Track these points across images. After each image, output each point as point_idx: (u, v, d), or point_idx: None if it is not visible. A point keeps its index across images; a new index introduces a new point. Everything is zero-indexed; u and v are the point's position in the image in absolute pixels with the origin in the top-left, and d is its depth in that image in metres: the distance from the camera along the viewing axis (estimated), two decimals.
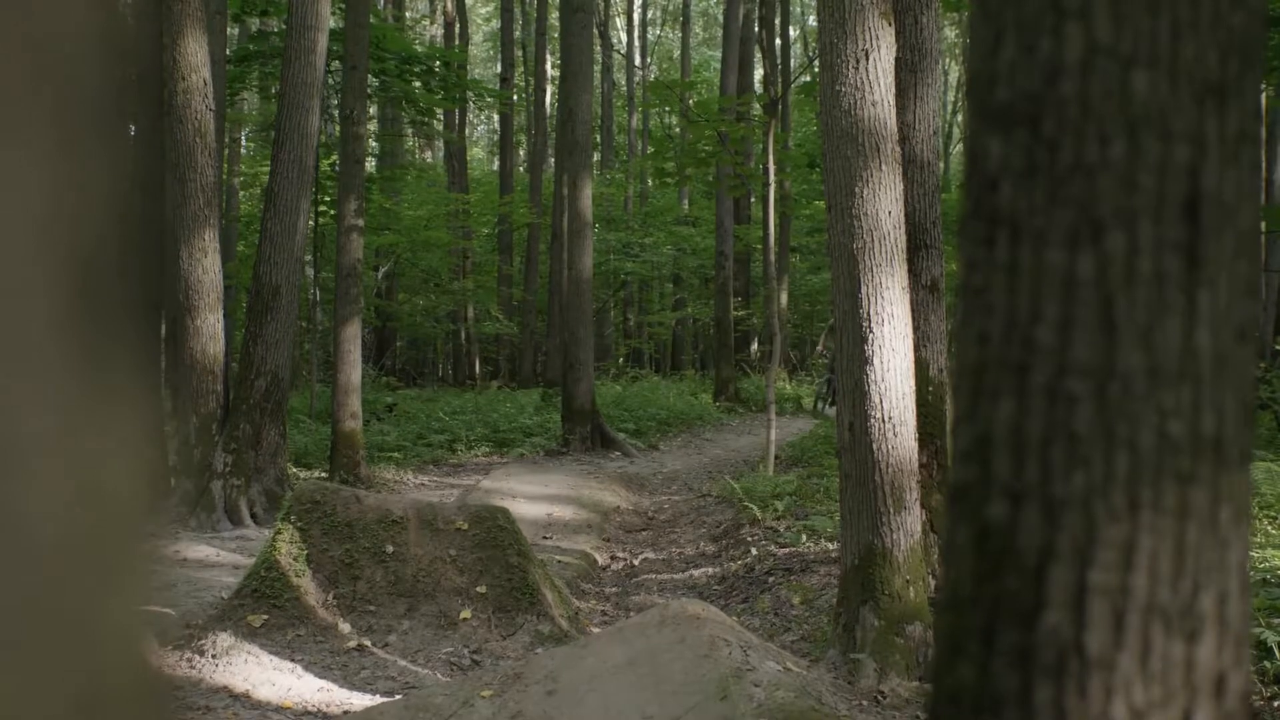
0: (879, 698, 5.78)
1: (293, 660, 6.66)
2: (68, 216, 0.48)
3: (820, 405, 22.03)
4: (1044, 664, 1.26)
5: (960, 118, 37.75)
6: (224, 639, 6.77)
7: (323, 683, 6.46)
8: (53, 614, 0.46)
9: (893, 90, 6.63)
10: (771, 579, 8.73)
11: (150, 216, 0.53)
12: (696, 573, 9.74)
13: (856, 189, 6.47)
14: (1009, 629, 1.29)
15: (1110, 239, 1.31)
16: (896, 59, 6.92)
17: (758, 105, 20.71)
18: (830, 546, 9.12)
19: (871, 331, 6.40)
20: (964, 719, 1.31)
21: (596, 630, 7.30)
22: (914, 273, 7.39)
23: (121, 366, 0.50)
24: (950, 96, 39.72)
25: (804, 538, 9.70)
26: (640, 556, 10.61)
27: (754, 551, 9.62)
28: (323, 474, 13.75)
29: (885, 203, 6.49)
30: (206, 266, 11.42)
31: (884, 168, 6.50)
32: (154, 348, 0.54)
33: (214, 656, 6.63)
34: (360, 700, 6.22)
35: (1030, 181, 1.35)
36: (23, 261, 0.46)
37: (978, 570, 1.33)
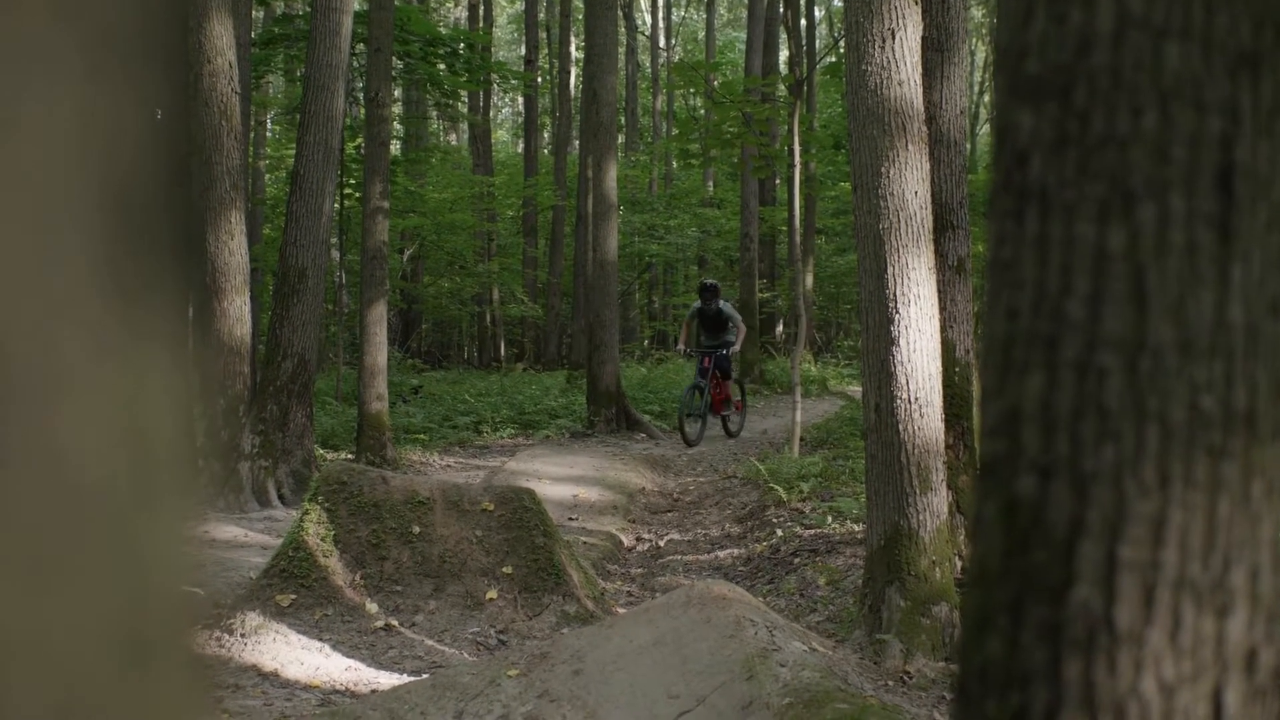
0: (905, 678, 5.77)
1: (320, 639, 6.69)
2: (99, 146, 0.48)
3: (691, 424, 15.75)
4: (1073, 638, 1.25)
5: (987, 99, 37.61)
6: (252, 618, 6.80)
7: (350, 662, 6.49)
8: (91, 545, 0.46)
9: (919, 70, 6.59)
10: (797, 560, 8.72)
11: (176, 197, 0.52)
12: (722, 554, 9.74)
13: (883, 169, 6.45)
14: (1037, 604, 1.28)
15: (1142, 211, 1.30)
16: (923, 38, 6.88)
17: (783, 86, 20.66)
18: (856, 528, 9.11)
19: (898, 312, 6.38)
20: (992, 694, 1.31)
21: (622, 611, 7.31)
22: (940, 253, 7.36)
23: (158, 304, 0.50)
24: (977, 77, 39.54)
25: (830, 519, 9.69)
26: (666, 538, 10.62)
27: (779, 533, 9.62)
28: (349, 455, 13.79)
29: (911, 183, 6.46)
30: (233, 249, 11.45)
31: (910, 148, 6.47)
32: (186, 291, 0.54)
33: (243, 635, 6.67)
34: (387, 679, 6.25)
35: (1060, 154, 1.34)
36: (54, 190, 0.46)
37: (1006, 545, 1.33)
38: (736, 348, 16.14)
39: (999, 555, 1.34)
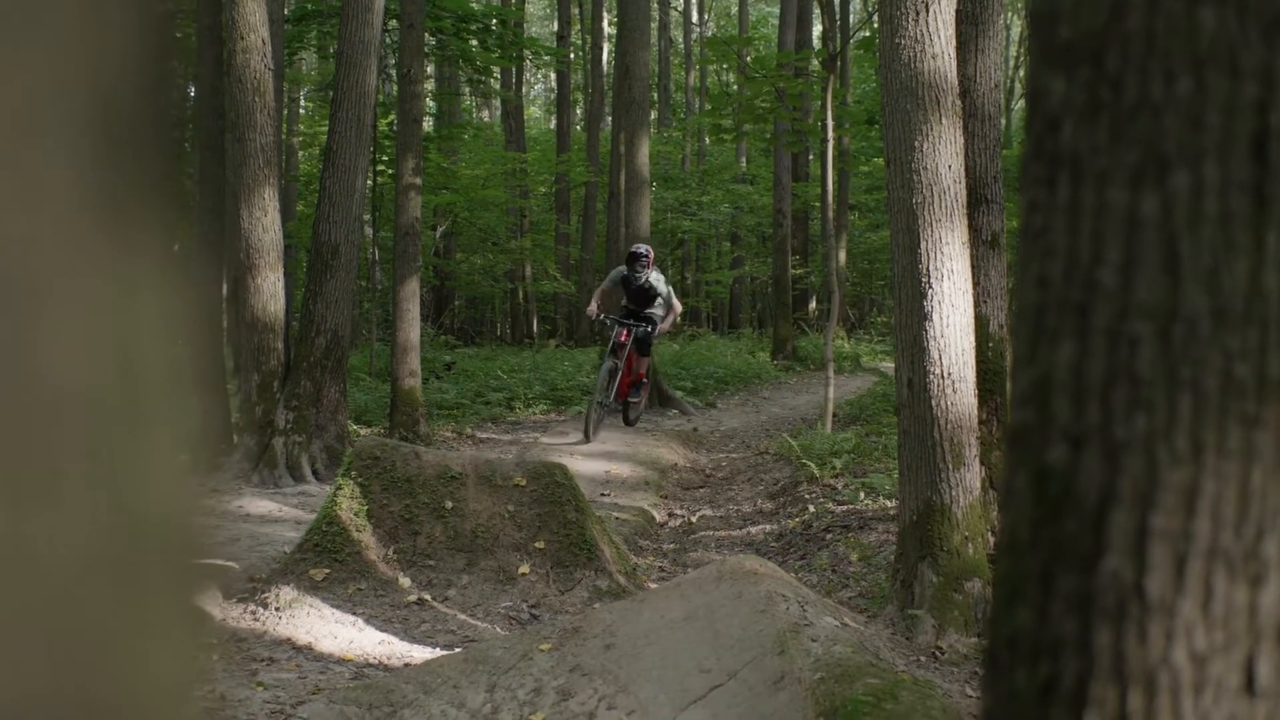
0: (937, 653, 5.77)
1: (354, 613, 6.72)
2: (86, 56, 0.47)
3: (598, 414, 13.54)
4: (1103, 608, 1.25)
5: (1022, 73, 37.33)
6: (287, 592, 6.85)
7: (384, 636, 6.53)
8: (70, 458, 0.46)
9: (953, 43, 6.55)
10: (829, 536, 8.72)
11: (165, 111, 0.52)
12: (754, 530, 9.74)
13: (916, 143, 6.42)
14: (1068, 573, 1.28)
15: (1175, 178, 1.28)
16: (957, 11, 6.83)
17: (816, 61, 20.54)
18: (889, 504, 9.09)
19: (930, 287, 6.35)
20: (1022, 663, 1.30)
21: (654, 586, 7.32)
22: (974, 228, 7.32)
23: (145, 220, 0.50)
24: (1012, 51, 39.26)
25: (862, 495, 9.68)
26: (698, 513, 10.63)
27: (812, 509, 9.61)
28: (382, 431, 13.84)
29: (945, 157, 6.43)
30: (266, 226, 11.48)
31: (944, 121, 6.44)
32: (181, 209, 0.53)
33: (277, 609, 6.71)
34: (420, 653, 6.28)
35: (1093, 120, 1.33)
36: (41, 96, 0.45)
37: (1036, 515, 1.32)
38: (665, 327, 14.12)
39: (1029, 525, 1.33)
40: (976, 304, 7.03)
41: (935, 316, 6.32)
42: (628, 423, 14.41)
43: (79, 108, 0.47)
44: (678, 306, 14.24)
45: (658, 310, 14.05)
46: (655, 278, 13.91)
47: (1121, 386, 1.29)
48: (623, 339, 13.71)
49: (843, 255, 26.28)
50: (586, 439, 13.17)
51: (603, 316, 14.09)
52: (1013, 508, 1.37)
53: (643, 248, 14.14)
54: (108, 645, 0.46)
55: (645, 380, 14.28)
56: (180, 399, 0.51)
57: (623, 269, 14.02)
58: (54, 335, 0.46)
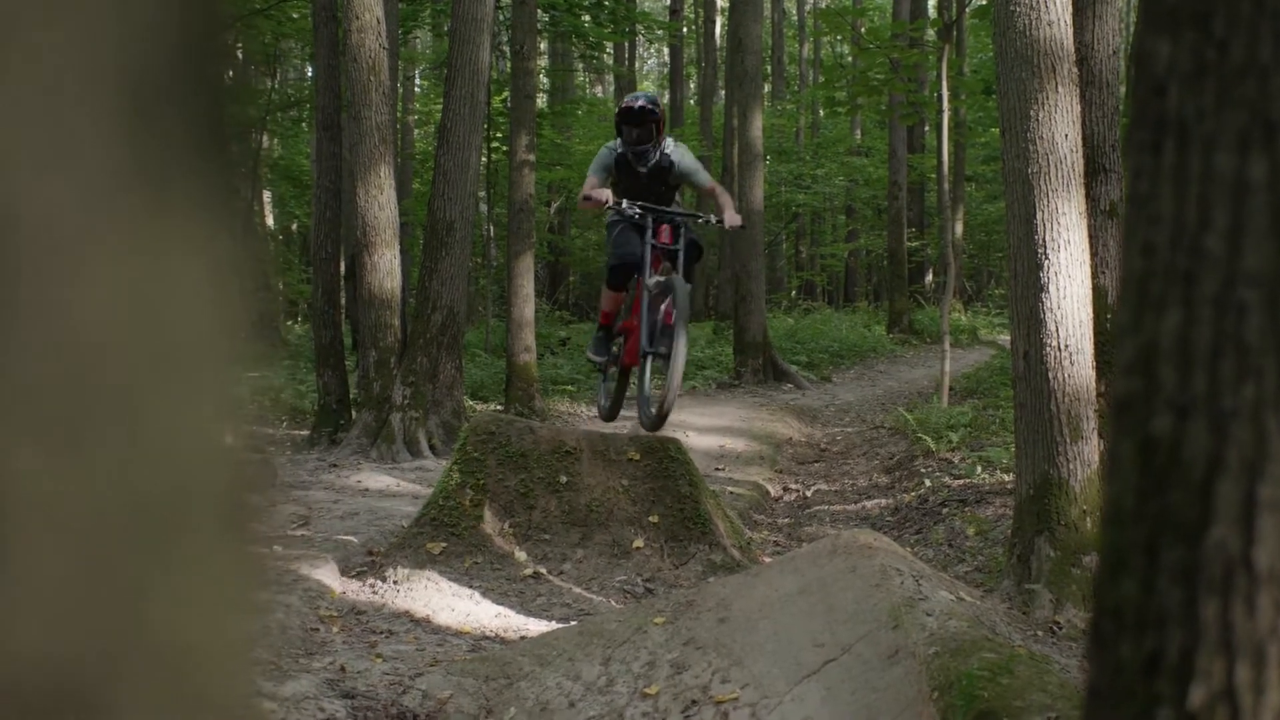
0: (1054, 628, 5.70)
1: (470, 586, 6.81)
2: (118, 20, 0.48)
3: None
4: (1210, 579, 1.23)
5: None
6: (405, 566, 6.96)
7: (500, 608, 6.61)
8: (107, 410, 0.47)
9: (1069, 9, 6.43)
10: (945, 510, 8.65)
11: (204, 76, 0.53)
12: (869, 504, 9.70)
13: (1031, 112, 6.32)
14: (1173, 544, 1.26)
15: None
16: None
17: (931, 30, 20.29)
18: (1006, 478, 8.99)
19: (1047, 258, 6.26)
20: (1127, 635, 1.29)
21: (768, 560, 7.32)
22: (1091, 197, 7.19)
23: (183, 186, 0.51)
24: (1131, 18, 38.45)
25: (979, 469, 9.58)
26: (813, 488, 10.60)
27: (928, 483, 9.53)
28: (498, 407, 13.98)
29: (1061, 126, 6.32)
30: (383, 204, 11.64)
31: (1060, 89, 6.32)
32: (225, 175, 0.55)
33: (395, 583, 6.82)
34: (536, 626, 6.34)
35: (1199, 83, 1.31)
36: (71, 56, 0.47)
37: (1141, 485, 1.30)
38: (734, 217, 8.15)
39: (1134, 495, 1.31)
40: (1094, 275, 6.91)
41: (1052, 288, 6.23)
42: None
43: (109, 71, 0.48)
44: (723, 192, 8.58)
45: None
46: (675, 150, 8.14)
47: (1229, 355, 1.27)
48: (662, 238, 7.82)
49: (959, 227, 25.97)
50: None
51: (619, 204, 7.76)
52: (1117, 478, 1.35)
53: (641, 98, 8.07)
54: (143, 592, 0.48)
55: (682, 329, 7.43)
56: (224, 356, 0.53)
57: (615, 144, 8.12)
58: (85, 293, 0.47)
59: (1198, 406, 1.28)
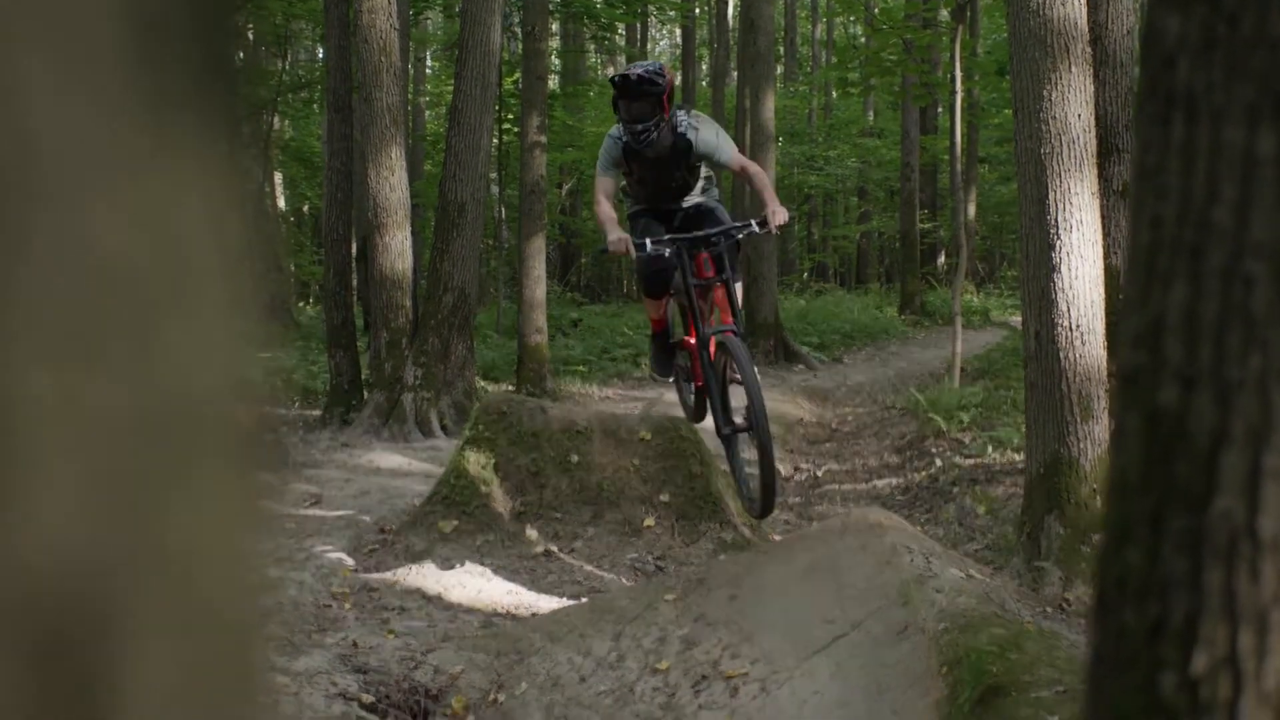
0: (1064, 605, 5.72)
1: (482, 564, 6.85)
2: None
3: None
4: (1214, 548, 1.24)
5: None
6: (416, 543, 6.99)
7: (511, 586, 6.64)
8: (121, 333, 0.49)
9: None
10: (956, 490, 8.66)
11: (212, 16, 0.54)
12: (880, 484, 9.71)
13: (1044, 92, 6.31)
14: (1178, 514, 1.27)
15: None
16: None
17: (945, 11, 20.25)
18: (1017, 458, 9.00)
19: (1059, 238, 6.27)
20: (1131, 602, 1.30)
21: (779, 538, 7.35)
22: (1104, 178, 7.18)
23: (193, 120, 0.52)
24: None
25: (990, 449, 9.59)
26: (823, 468, 10.62)
27: (938, 463, 9.55)
28: (510, 387, 14.00)
29: (1074, 106, 6.32)
30: (394, 185, 11.65)
31: (1074, 69, 6.32)
32: (231, 111, 0.56)
33: (407, 560, 6.87)
34: (547, 603, 6.38)
35: (1208, 57, 1.31)
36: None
37: (1147, 456, 1.32)
38: (780, 214, 6.43)
39: (1140, 466, 1.33)
40: (1106, 255, 6.90)
41: (1064, 268, 6.24)
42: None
43: (118, 10, 0.49)
44: (751, 162, 7.03)
45: (708, 197, 7.07)
46: (692, 124, 6.64)
47: (1236, 327, 1.28)
48: (708, 275, 6.52)
49: (972, 209, 25.91)
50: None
51: (642, 245, 6.28)
52: (1123, 450, 1.37)
53: (639, 67, 6.57)
54: (155, 506, 0.50)
55: (756, 392, 6.15)
56: (232, 284, 0.54)
57: (617, 130, 6.67)
58: (103, 217, 0.49)
59: (1204, 378, 1.29)
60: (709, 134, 6.61)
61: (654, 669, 5.11)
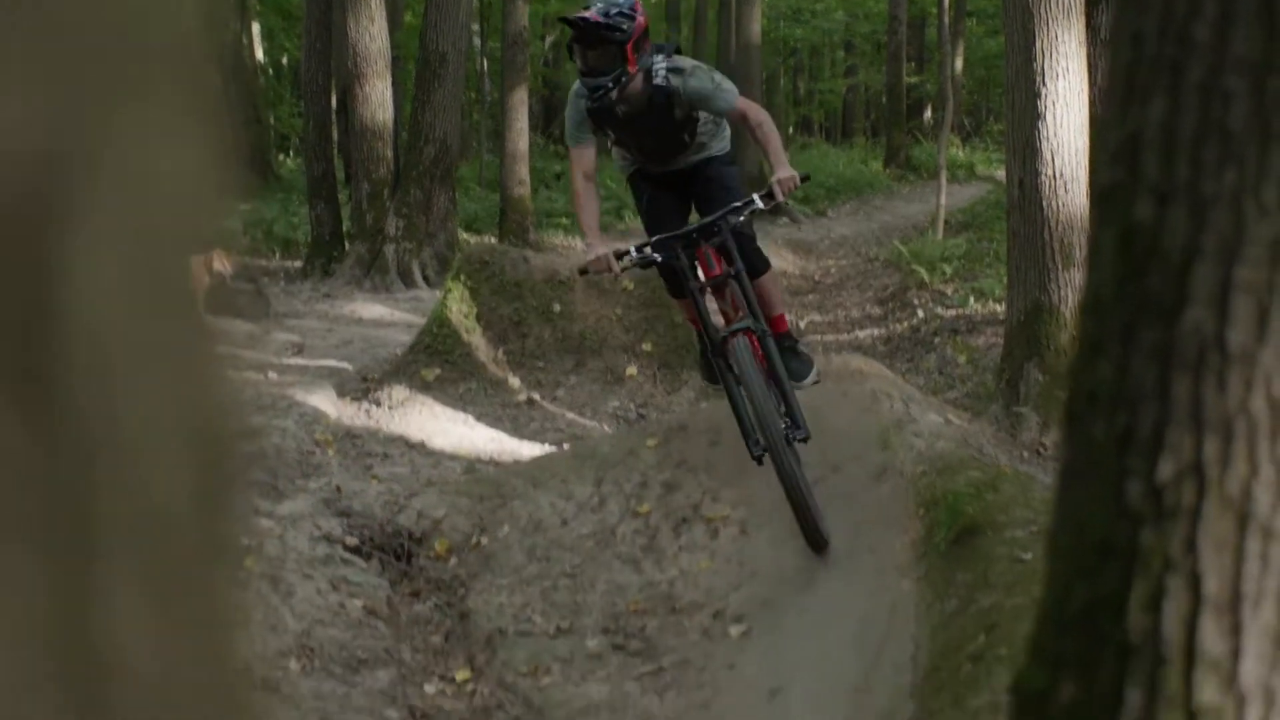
0: (1040, 450, 5.79)
1: (465, 412, 6.89)
2: None
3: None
4: (1183, 359, 1.25)
5: None
6: (399, 392, 7.03)
7: (494, 433, 6.69)
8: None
9: None
10: (937, 340, 8.71)
11: None
12: (862, 334, 9.76)
13: None
14: (1150, 327, 1.28)
15: None
16: None
17: None
18: (998, 309, 9.03)
19: (1045, 86, 6.22)
20: (1100, 413, 1.32)
21: None
22: (1092, 26, 7.10)
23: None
24: None
25: (971, 299, 9.62)
26: (806, 319, 10.65)
27: (920, 314, 9.59)
28: (492, 239, 13.96)
29: None
30: (374, 34, 11.49)
31: None
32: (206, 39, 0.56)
33: (390, 408, 6.90)
34: (530, 449, 6.43)
35: None
36: None
37: (1121, 271, 1.32)
38: (787, 178, 5.06)
39: (1113, 282, 1.33)
40: (1092, 104, 6.86)
41: (1049, 116, 6.20)
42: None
43: None
44: (762, 115, 5.45)
45: (715, 145, 5.68)
46: (671, 70, 5.25)
47: (1212, 142, 1.28)
48: (715, 273, 5.21)
49: (959, 63, 25.68)
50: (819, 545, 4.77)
51: (626, 254, 5.10)
52: (1098, 266, 1.37)
53: (595, 6, 5.11)
54: (108, 111, 0.50)
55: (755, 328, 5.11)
56: (192, 80, 0.54)
57: (579, 85, 5.33)
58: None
59: (1179, 193, 1.29)
60: (698, 81, 5.23)
61: (635, 512, 5.18)
